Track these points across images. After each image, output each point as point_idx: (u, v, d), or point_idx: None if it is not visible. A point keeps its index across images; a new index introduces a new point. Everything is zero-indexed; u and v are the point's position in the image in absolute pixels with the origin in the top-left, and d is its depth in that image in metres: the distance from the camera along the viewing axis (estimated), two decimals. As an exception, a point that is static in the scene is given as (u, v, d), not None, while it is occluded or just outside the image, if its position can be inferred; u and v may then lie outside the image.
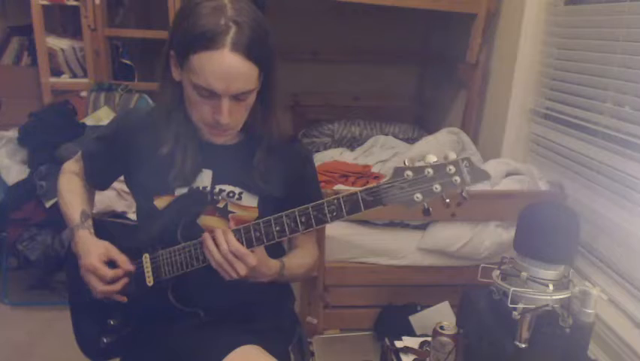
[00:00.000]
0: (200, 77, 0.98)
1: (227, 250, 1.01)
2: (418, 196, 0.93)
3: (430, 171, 0.92)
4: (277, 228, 1.01)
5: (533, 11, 2.33)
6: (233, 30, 0.97)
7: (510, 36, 2.45)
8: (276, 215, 1.02)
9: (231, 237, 1.02)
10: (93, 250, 1.12)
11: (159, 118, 1.12)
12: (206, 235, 1.04)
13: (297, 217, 1.00)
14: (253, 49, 0.98)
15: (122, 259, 1.13)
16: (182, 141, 1.11)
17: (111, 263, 1.13)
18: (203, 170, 1.15)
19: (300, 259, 1.23)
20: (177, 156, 1.11)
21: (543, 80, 2.33)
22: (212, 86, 0.98)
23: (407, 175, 0.93)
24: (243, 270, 1.02)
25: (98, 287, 1.12)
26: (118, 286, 1.13)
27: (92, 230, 1.18)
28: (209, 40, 0.96)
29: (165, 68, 1.08)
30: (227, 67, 0.97)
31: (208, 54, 0.97)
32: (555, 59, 2.25)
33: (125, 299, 1.15)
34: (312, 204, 0.99)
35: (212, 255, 1.02)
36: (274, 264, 1.12)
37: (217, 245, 1.02)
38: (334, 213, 0.98)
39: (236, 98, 1.02)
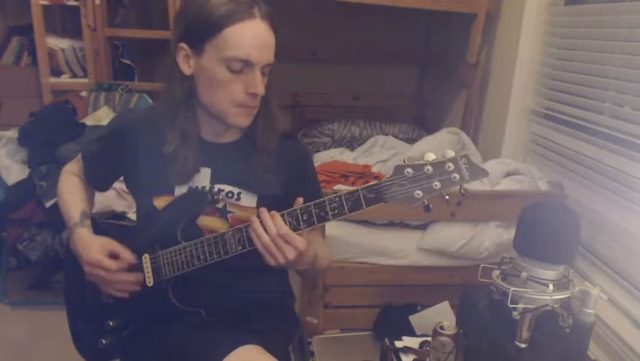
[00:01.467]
0: (236, 48, 1.02)
1: (276, 233, 1.00)
2: (419, 193, 0.94)
3: (430, 168, 0.93)
4: None
5: (533, 11, 2.33)
6: (256, 4, 1.05)
7: (510, 36, 2.45)
8: (278, 213, 1.02)
9: (279, 220, 1.01)
10: (93, 245, 1.11)
11: (164, 115, 1.12)
12: (254, 218, 1.02)
13: (299, 215, 1.00)
14: (274, 20, 1.07)
15: (122, 251, 1.12)
16: (186, 138, 1.11)
17: (113, 257, 1.12)
18: (202, 169, 1.15)
19: (323, 252, 1.21)
20: (180, 153, 1.11)
21: (543, 80, 2.33)
22: (250, 55, 1.03)
23: (407, 173, 0.94)
24: (292, 254, 1.01)
25: (105, 284, 1.11)
26: (128, 278, 1.12)
27: (91, 229, 1.18)
28: (242, 12, 1.02)
29: (172, 64, 1.09)
30: (261, 35, 1.04)
31: (244, 24, 1.02)
32: (555, 59, 2.25)
33: (138, 288, 1.14)
34: (313, 201, 1.00)
35: (261, 238, 1.00)
36: (311, 249, 1.10)
37: (265, 228, 1.01)
38: (336, 211, 0.98)
39: (262, 72, 1.06)
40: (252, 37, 1.02)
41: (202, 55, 1.05)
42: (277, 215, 1.02)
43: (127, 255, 1.13)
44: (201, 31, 1.04)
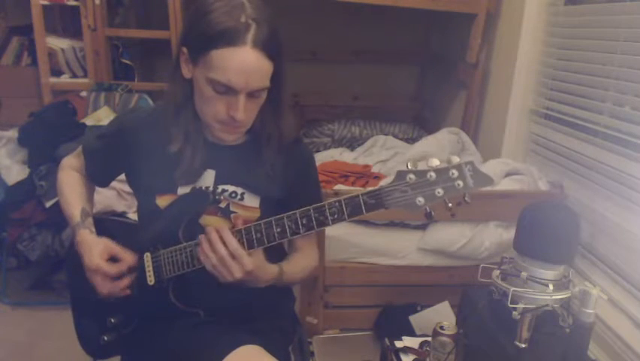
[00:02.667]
0: (219, 72, 0.99)
1: (224, 252, 1.01)
2: (420, 200, 0.92)
3: (433, 175, 0.91)
4: (278, 229, 1.01)
5: (533, 11, 2.33)
6: (253, 27, 0.99)
7: (510, 36, 2.45)
8: (277, 216, 1.02)
9: (229, 237, 1.01)
10: (94, 249, 1.12)
11: (167, 116, 1.12)
12: (203, 237, 1.03)
13: (298, 219, 1.00)
14: (271, 46, 1.01)
15: (122, 253, 1.13)
16: (191, 138, 1.11)
17: (114, 260, 1.13)
18: (207, 170, 1.15)
19: (300, 263, 1.22)
20: (186, 154, 1.11)
21: (543, 80, 2.33)
22: (232, 82, 1.00)
23: (409, 179, 0.92)
24: (238, 272, 1.01)
25: (104, 287, 1.12)
26: (123, 283, 1.13)
27: (93, 228, 1.18)
28: (231, 37, 0.98)
29: (175, 65, 1.08)
30: (248, 63, 0.99)
31: (230, 50, 0.98)
32: (555, 59, 2.25)
33: (128, 292, 1.15)
34: (313, 206, 0.99)
35: (207, 256, 1.02)
36: (272, 270, 1.11)
37: (212, 246, 1.01)
38: (335, 216, 0.97)
39: (251, 95, 1.03)
40: (237, 63, 0.98)
41: (196, 66, 1.04)
42: (227, 231, 1.01)
43: (126, 259, 1.13)
44: (196, 43, 1.02)
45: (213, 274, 1.03)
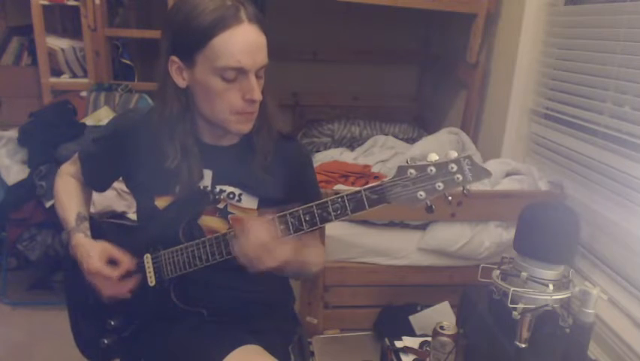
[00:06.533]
0: (226, 57, 1.00)
1: (258, 241, 0.99)
2: (422, 194, 0.94)
3: (433, 169, 0.93)
4: (281, 227, 1.01)
5: (533, 11, 2.33)
6: (242, 6, 1.01)
7: (510, 36, 2.45)
8: (280, 214, 1.01)
9: (272, 227, 1.00)
10: (93, 253, 1.11)
11: (162, 129, 1.09)
12: (237, 224, 1.03)
13: (302, 216, 1.00)
14: (261, 18, 1.03)
15: (121, 257, 1.13)
16: (188, 151, 1.09)
17: (112, 262, 1.13)
18: (204, 171, 1.15)
19: (313, 258, 1.21)
20: (184, 167, 1.10)
21: (543, 80, 2.33)
22: (241, 62, 1.00)
23: (410, 173, 0.94)
24: (271, 262, 1.00)
25: (107, 290, 1.12)
26: (127, 287, 1.13)
27: (89, 233, 1.17)
28: (227, 19, 0.99)
29: (165, 77, 1.06)
30: (251, 39, 1.01)
31: (231, 31, 0.99)
32: (555, 59, 2.25)
33: (130, 294, 1.15)
34: (316, 202, 0.99)
35: (241, 245, 1.01)
36: (299, 259, 1.10)
37: (248, 236, 1.00)
38: (338, 212, 0.98)
39: (257, 75, 1.05)
40: (241, 43, 0.99)
41: (194, 67, 1.02)
42: (270, 221, 1.00)
43: (125, 261, 1.13)
44: (190, 43, 1.01)
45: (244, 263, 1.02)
